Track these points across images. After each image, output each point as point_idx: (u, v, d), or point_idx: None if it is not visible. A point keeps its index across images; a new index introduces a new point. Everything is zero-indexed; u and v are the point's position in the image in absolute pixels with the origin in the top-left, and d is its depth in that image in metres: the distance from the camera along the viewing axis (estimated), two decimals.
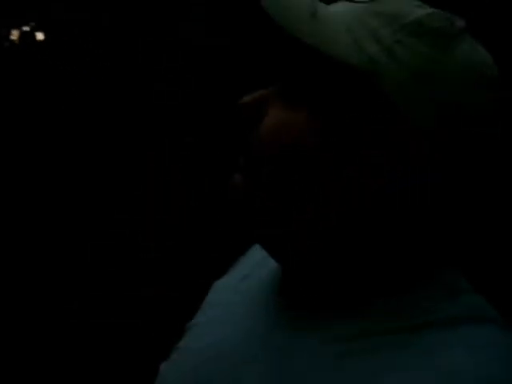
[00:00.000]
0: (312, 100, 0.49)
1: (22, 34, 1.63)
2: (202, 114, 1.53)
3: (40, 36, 1.60)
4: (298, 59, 0.50)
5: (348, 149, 0.49)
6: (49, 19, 1.58)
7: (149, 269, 1.55)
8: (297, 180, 0.50)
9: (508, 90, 0.53)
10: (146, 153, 1.58)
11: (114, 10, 1.56)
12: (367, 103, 0.48)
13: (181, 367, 0.62)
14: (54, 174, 1.61)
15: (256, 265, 0.66)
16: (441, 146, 0.49)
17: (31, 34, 1.63)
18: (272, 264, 0.61)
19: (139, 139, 1.58)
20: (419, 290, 0.52)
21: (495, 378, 0.44)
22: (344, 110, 0.49)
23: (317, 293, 0.54)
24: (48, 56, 1.60)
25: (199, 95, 1.53)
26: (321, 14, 0.50)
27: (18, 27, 1.64)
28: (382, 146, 0.48)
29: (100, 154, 1.59)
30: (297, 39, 0.47)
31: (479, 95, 0.48)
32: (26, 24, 1.63)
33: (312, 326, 0.52)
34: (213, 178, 1.51)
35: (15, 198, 1.62)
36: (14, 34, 1.65)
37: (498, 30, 1.17)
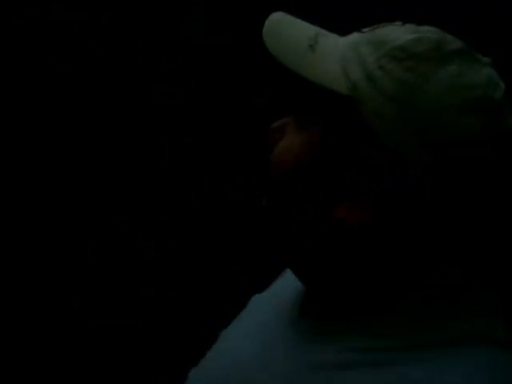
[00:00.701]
0: (314, 120, 0.53)
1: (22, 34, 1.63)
2: (202, 114, 1.53)
3: None
4: (299, 88, 0.55)
5: (347, 150, 0.50)
6: (49, 19, 1.58)
7: (149, 269, 1.55)
8: (304, 190, 0.53)
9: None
10: (146, 153, 1.58)
11: (113, 10, 1.56)
12: (356, 126, 0.49)
13: (209, 374, 0.64)
14: (53, 174, 1.61)
15: (287, 284, 0.68)
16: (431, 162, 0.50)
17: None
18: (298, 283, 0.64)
19: (139, 139, 1.57)
20: (422, 304, 0.53)
21: None
22: (341, 124, 0.51)
23: (328, 305, 0.55)
24: (48, 56, 1.60)
25: (199, 95, 1.53)
26: (320, 46, 0.53)
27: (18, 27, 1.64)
28: (381, 146, 0.49)
29: (100, 154, 1.59)
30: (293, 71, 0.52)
31: (464, 118, 0.47)
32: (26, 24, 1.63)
33: (324, 338, 0.54)
34: (213, 178, 1.51)
35: (14, 197, 1.62)
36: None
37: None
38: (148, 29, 1.56)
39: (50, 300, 1.60)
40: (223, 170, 1.51)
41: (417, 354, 0.49)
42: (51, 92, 1.60)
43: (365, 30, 0.53)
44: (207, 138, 1.53)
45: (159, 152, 1.56)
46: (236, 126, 1.48)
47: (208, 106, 1.53)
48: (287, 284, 0.67)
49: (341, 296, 0.54)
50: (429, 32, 0.50)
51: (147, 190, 1.57)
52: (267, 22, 0.54)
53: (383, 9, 1.28)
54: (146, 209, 1.57)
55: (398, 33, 0.49)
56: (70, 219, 1.61)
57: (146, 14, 1.56)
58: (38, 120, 1.61)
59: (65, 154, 1.60)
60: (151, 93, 1.57)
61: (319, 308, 0.56)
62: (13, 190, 1.61)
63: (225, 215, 1.50)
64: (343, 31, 0.56)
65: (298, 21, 0.56)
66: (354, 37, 0.53)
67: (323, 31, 0.56)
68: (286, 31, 0.54)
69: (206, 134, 1.53)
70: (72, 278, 1.60)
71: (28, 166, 1.61)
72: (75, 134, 1.60)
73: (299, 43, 0.53)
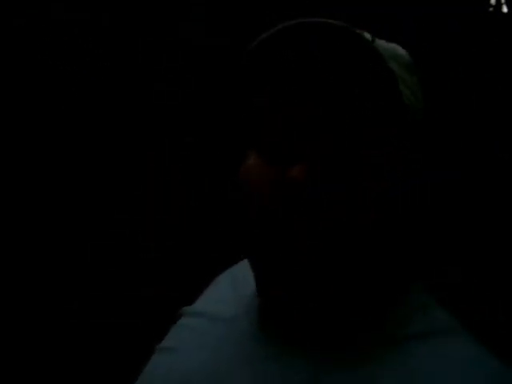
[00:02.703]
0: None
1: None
2: (202, 114, 1.53)
3: None
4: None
5: (348, 150, 0.50)
6: (49, 19, 1.58)
7: (149, 269, 1.55)
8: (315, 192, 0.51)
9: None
10: (146, 153, 1.58)
11: (114, 10, 1.56)
12: (379, 109, 0.50)
13: None
14: (53, 174, 1.61)
15: (228, 297, 0.66)
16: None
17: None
18: (246, 293, 0.62)
19: (139, 139, 1.57)
20: (393, 304, 0.54)
21: None
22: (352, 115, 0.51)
23: (303, 311, 0.55)
24: (48, 56, 1.60)
25: (199, 95, 1.53)
26: (376, 43, 0.55)
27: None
28: (380, 146, 0.49)
29: (100, 154, 1.59)
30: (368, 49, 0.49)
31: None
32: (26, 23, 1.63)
33: (296, 343, 0.53)
34: (213, 177, 1.51)
35: (14, 197, 1.62)
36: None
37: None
38: (148, 29, 1.56)
39: (50, 300, 1.60)
40: (223, 170, 1.51)
41: (391, 349, 0.50)
42: (51, 92, 1.60)
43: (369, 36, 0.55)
44: (207, 137, 1.53)
45: (159, 152, 1.56)
46: (236, 126, 1.48)
47: (208, 106, 1.53)
48: (225, 297, 0.66)
49: (321, 302, 0.54)
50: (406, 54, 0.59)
51: (147, 190, 1.57)
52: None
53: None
54: (146, 209, 1.57)
55: (401, 50, 0.58)
56: (70, 219, 1.61)
57: (145, 13, 1.56)
58: (37, 120, 1.61)
59: (65, 154, 1.60)
60: (151, 93, 1.57)
61: (292, 316, 0.55)
62: (13, 190, 1.61)
63: (225, 215, 1.50)
64: None
65: None
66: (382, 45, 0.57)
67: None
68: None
69: (206, 133, 1.53)
70: (72, 277, 1.60)
71: (27, 166, 1.61)
72: (75, 133, 1.60)
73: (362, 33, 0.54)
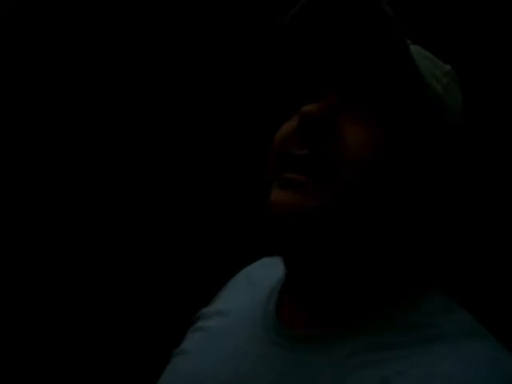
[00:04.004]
0: (388, 118, 0.53)
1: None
2: (202, 114, 1.53)
3: None
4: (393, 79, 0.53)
5: (410, 165, 0.52)
6: (49, 19, 1.58)
7: (149, 269, 1.55)
8: (380, 196, 0.52)
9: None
10: (146, 153, 1.57)
11: (113, 10, 1.56)
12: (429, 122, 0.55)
13: None
14: (53, 174, 1.61)
15: (242, 295, 0.66)
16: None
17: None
18: (260, 293, 0.62)
19: (139, 139, 1.57)
20: (413, 305, 0.54)
21: None
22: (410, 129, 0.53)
23: (320, 309, 0.55)
24: (48, 56, 1.59)
25: (199, 95, 1.53)
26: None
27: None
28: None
29: (100, 154, 1.59)
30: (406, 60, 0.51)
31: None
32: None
33: (315, 344, 0.53)
34: (213, 177, 1.51)
35: (14, 197, 1.62)
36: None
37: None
38: (148, 29, 1.56)
39: (50, 300, 1.60)
40: (223, 169, 1.50)
41: (413, 350, 0.50)
42: (51, 92, 1.60)
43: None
44: (207, 137, 1.53)
45: (159, 152, 1.56)
46: (236, 126, 1.48)
47: (208, 105, 1.53)
48: (242, 297, 0.66)
49: (337, 299, 0.54)
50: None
51: (147, 190, 1.57)
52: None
53: None
54: (146, 209, 1.57)
55: (437, 60, 0.60)
56: (69, 219, 1.61)
57: (146, 13, 1.56)
58: (37, 120, 1.61)
59: (65, 154, 1.60)
60: (151, 93, 1.56)
61: (307, 315, 0.56)
62: (12, 190, 1.61)
63: (225, 215, 1.49)
64: None
65: None
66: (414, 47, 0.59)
67: None
68: None
69: (206, 133, 1.53)
70: (72, 277, 1.60)
71: (27, 166, 1.61)
72: (75, 133, 1.60)
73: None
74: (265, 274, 0.68)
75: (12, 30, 1.57)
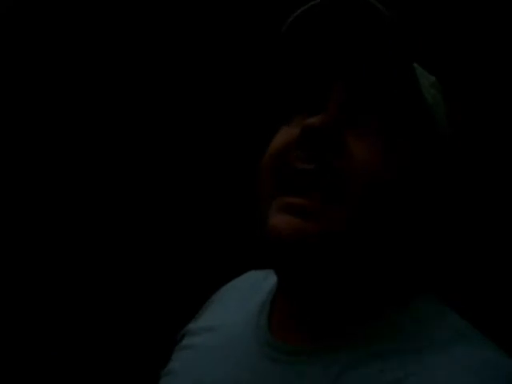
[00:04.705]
0: (390, 129, 0.52)
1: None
2: (202, 114, 1.52)
3: None
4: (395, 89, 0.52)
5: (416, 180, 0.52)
6: (49, 19, 1.58)
7: (149, 269, 1.55)
8: (388, 211, 0.51)
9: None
10: (146, 153, 1.57)
11: (114, 10, 1.56)
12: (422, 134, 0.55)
13: None
14: (53, 174, 1.61)
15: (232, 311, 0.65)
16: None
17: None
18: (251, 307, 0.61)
19: (139, 139, 1.57)
20: (403, 313, 0.54)
21: None
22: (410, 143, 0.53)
23: (313, 321, 0.54)
24: (48, 56, 1.59)
25: (199, 95, 1.53)
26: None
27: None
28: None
29: (100, 154, 1.59)
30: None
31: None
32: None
33: (308, 357, 0.52)
34: (213, 177, 1.51)
35: (14, 197, 1.62)
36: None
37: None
38: (148, 29, 1.56)
39: (50, 300, 1.60)
40: (223, 169, 1.50)
41: (409, 358, 0.49)
42: (51, 92, 1.60)
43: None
44: (207, 137, 1.53)
45: (159, 152, 1.56)
46: (236, 126, 1.48)
47: (208, 105, 1.52)
48: (230, 311, 0.65)
49: (332, 310, 0.54)
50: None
51: (147, 190, 1.57)
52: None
53: None
54: (147, 209, 1.57)
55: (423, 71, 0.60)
56: (69, 219, 1.61)
57: (145, 13, 1.56)
58: (37, 120, 1.60)
59: (65, 154, 1.60)
60: (151, 93, 1.56)
61: (301, 328, 0.55)
62: (12, 190, 1.61)
63: (225, 215, 1.49)
64: None
65: None
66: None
67: None
68: None
69: (206, 133, 1.53)
70: (72, 277, 1.60)
71: (27, 166, 1.61)
72: (75, 133, 1.60)
73: None
74: (254, 288, 0.67)
75: (12, 30, 1.57)
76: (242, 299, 0.66)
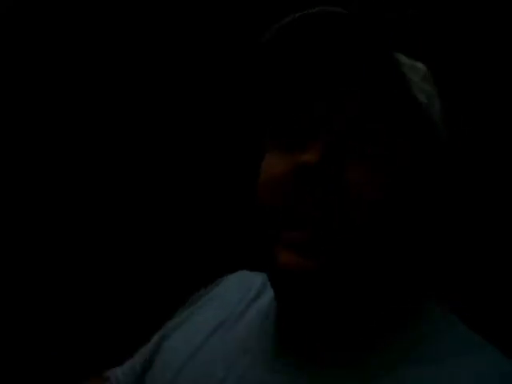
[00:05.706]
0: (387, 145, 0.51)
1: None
2: (202, 114, 1.53)
3: None
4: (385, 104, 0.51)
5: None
6: (49, 18, 1.58)
7: (149, 269, 1.55)
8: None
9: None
10: (148, 153, 1.58)
11: (113, 10, 1.56)
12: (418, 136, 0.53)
13: None
14: (53, 174, 1.61)
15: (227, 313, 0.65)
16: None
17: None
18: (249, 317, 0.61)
19: (139, 139, 1.57)
20: (411, 324, 0.53)
21: None
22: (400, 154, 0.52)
23: (319, 336, 0.54)
24: (48, 56, 1.60)
25: (199, 95, 1.53)
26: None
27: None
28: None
29: (100, 154, 1.59)
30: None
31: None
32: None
33: (317, 371, 0.52)
34: (213, 177, 1.51)
35: (14, 197, 1.62)
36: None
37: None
38: (149, 29, 1.56)
39: (50, 300, 1.59)
40: (223, 170, 1.50)
41: (420, 369, 0.49)
42: (51, 92, 1.60)
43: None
44: (207, 137, 1.53)
45: (159, 152, 1.56)
46: (236, 126, 1.48)
47: (208, 105, 1.53)
48: (233, 302, 0.65)
49: (335, 323, 0.54)
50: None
51: (147, 190, 1.57)
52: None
53: None
54: (147, 208, 1.57)
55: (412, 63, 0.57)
56: (69, 219, 1.61)
57: (146, 14, 1.56)
58: (37, 120, 1.61)
59: (64, 154, 1.60)
60: (151, 93, 1.56)
61: (305, 340, 0.54)
62: (12, 190, 1.61)
63: (225, 215, 1.49)
64: None
65: None
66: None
67: None
68: None
69: (206, 133, 1.53)
70: (72, 277, 1.60)
71: (27, 166, 1.61)
72: (75, 133, 1.60)
73: None
74: (262, 288, 0.67)
75: (12, 30, 1.57)
76: (249, 297, 0.66)
